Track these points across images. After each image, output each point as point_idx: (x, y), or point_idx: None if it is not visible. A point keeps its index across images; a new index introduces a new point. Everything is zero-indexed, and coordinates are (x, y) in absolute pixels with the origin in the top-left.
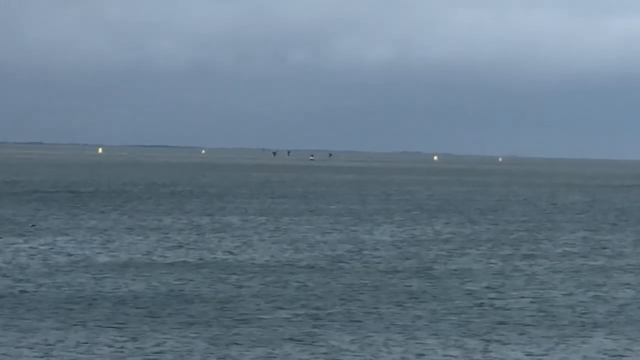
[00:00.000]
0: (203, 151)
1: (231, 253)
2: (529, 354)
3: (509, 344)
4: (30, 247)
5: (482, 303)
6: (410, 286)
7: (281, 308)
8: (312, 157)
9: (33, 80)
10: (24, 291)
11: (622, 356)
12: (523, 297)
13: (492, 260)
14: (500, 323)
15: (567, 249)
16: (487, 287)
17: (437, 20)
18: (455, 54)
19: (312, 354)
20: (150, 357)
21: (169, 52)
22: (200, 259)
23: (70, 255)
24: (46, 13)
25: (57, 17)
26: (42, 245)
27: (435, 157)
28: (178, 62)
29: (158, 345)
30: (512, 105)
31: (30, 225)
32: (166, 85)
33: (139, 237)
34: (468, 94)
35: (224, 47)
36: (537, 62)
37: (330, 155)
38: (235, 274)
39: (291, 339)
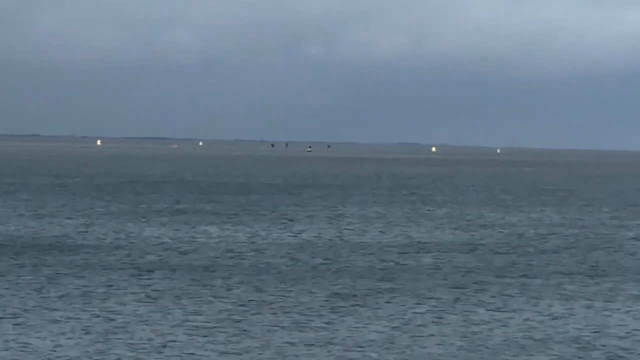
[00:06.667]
0: (200, 143)
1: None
2: None
3: None
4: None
5: None
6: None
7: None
8: (309, 149)
9: (42, 74)
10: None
11: None
12: None
13: None
14: None
15: None
16: None
17: (452, 12)
18: (468, 46)
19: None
20: None
21: (179, 46)
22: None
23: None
24: (59, 7)
25: (70, 11)
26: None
27: (434, 149)
28: (190, 55)
29: None
30: (514, 98)
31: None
32: (175, 79)
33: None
34: (472, 87)
35: (236, 40)
36: (548, 55)
37: (329, 146)
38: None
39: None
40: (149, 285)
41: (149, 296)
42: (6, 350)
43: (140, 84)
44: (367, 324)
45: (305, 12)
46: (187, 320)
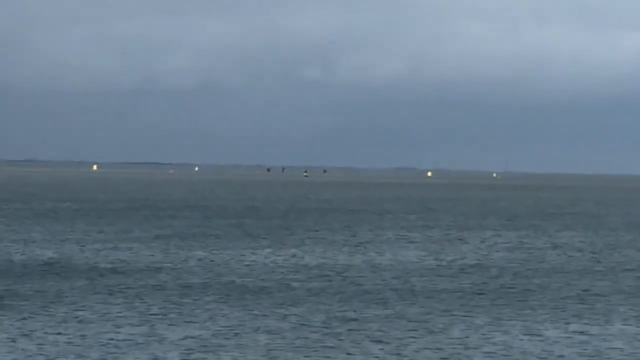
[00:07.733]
0: (196, 168)
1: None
2: None
3: None
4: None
5: None
6: None
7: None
8: (305, 174)
9: (38, 98)
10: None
11: None
12: None
13: None
14: None
15: None
16: None
17: (449, 36)
18: (465, 70)
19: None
20: None
21: (177, 70)
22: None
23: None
24: (56, 31)
25: (66, 36)
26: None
27: (429, 173)
28: (187, 79)
29: None
30: (512, 122)
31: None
32: (172, 103)
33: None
34: (471, 111)
35: (233, 64)
36: (547, 78)
37: (325, 171)
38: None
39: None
40: (172, 306)
41: (170, 314)
42: None
43: (137, 109)
44: (372, 346)
45: (304, 35)
46: (215, 343)
